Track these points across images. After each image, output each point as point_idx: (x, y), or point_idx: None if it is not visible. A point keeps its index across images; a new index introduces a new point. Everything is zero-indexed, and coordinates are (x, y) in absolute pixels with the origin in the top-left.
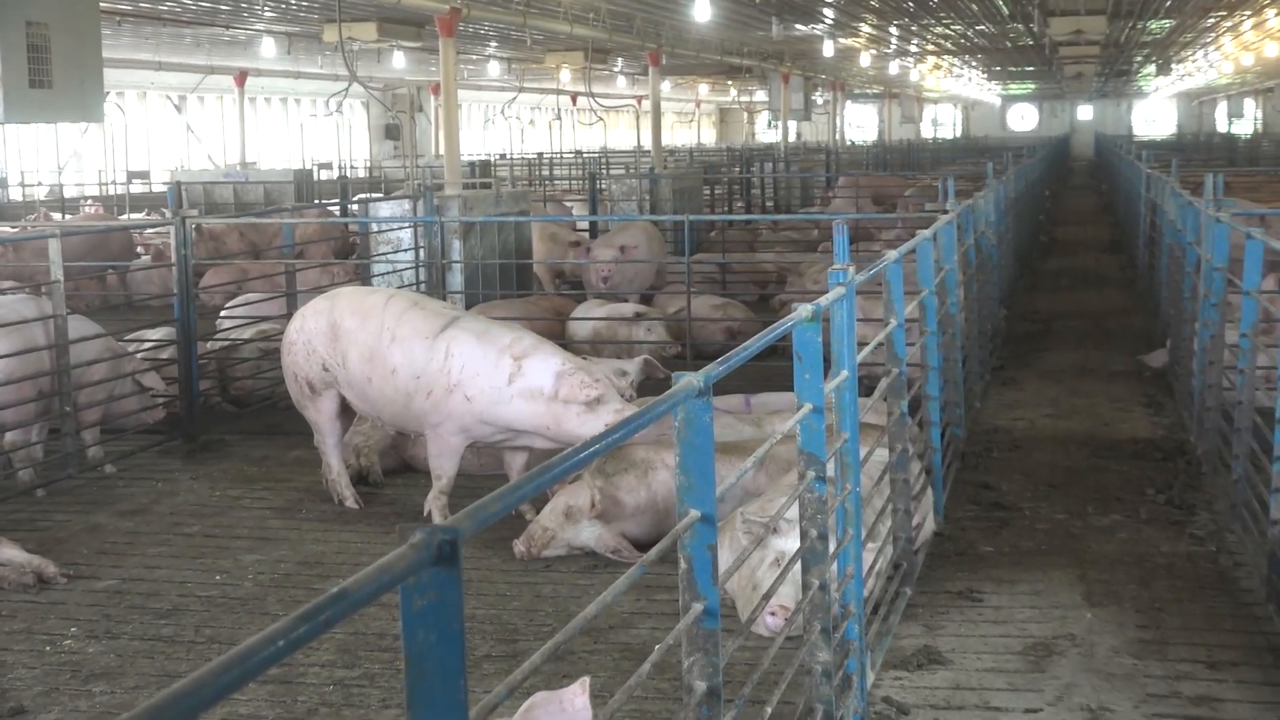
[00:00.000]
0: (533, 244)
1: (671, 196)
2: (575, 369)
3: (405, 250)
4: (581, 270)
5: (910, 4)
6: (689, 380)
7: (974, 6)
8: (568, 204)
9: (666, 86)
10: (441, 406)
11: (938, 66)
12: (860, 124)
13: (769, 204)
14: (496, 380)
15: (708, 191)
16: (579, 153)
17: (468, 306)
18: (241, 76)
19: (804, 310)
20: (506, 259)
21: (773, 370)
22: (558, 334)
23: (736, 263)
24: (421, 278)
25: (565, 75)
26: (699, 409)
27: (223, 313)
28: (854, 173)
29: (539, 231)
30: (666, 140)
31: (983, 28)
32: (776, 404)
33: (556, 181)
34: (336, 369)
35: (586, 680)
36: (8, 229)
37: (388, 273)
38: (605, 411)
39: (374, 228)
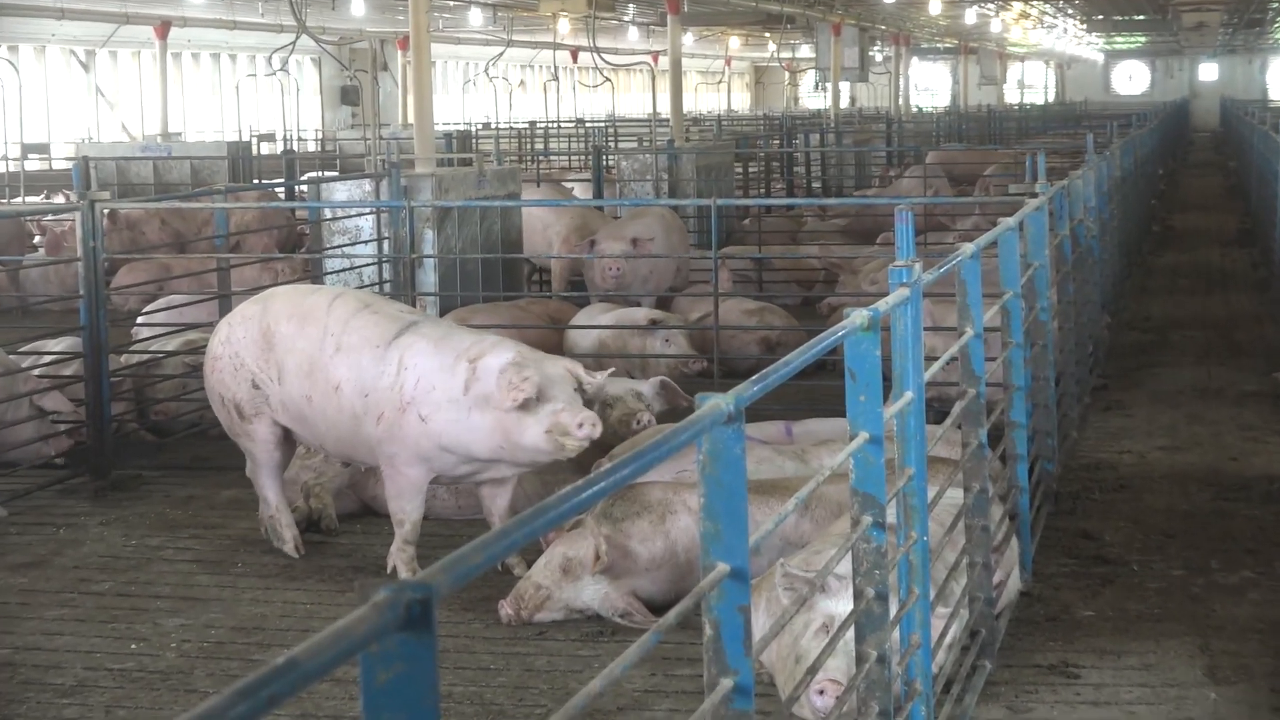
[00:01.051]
0: (528, 235)
1: (695, 176)
2: (515, 364)
3: (365, 242)
4: (584, 268)
5: None
6: (716, 403)
7: None
8: (567, 184)
9: (689, 40)
10: (394, 431)
11: (1025, 15)
12: (929, 86)
13: (816, 185)
14: (453, 390)
15: (740, 170)
16: (581, 122)
17: (442, 312)
18: (163, 27)
19: (858, 317)
20: (491, 253)
21: (820, 391)
22: (554, 346)
23: (775, 258)
24: (386, 276)
25: (564, 26)
26: (729, 439)
27: (140, 319)
28: (921, 147)
29: (569, 221)
30: (689, 106)
31: None
32: (824, 432)
33: (553, 157)
34: (270, 386)
35: None
36: None
37: (344, 270)
38: (543, 412)
39: (327, 214)
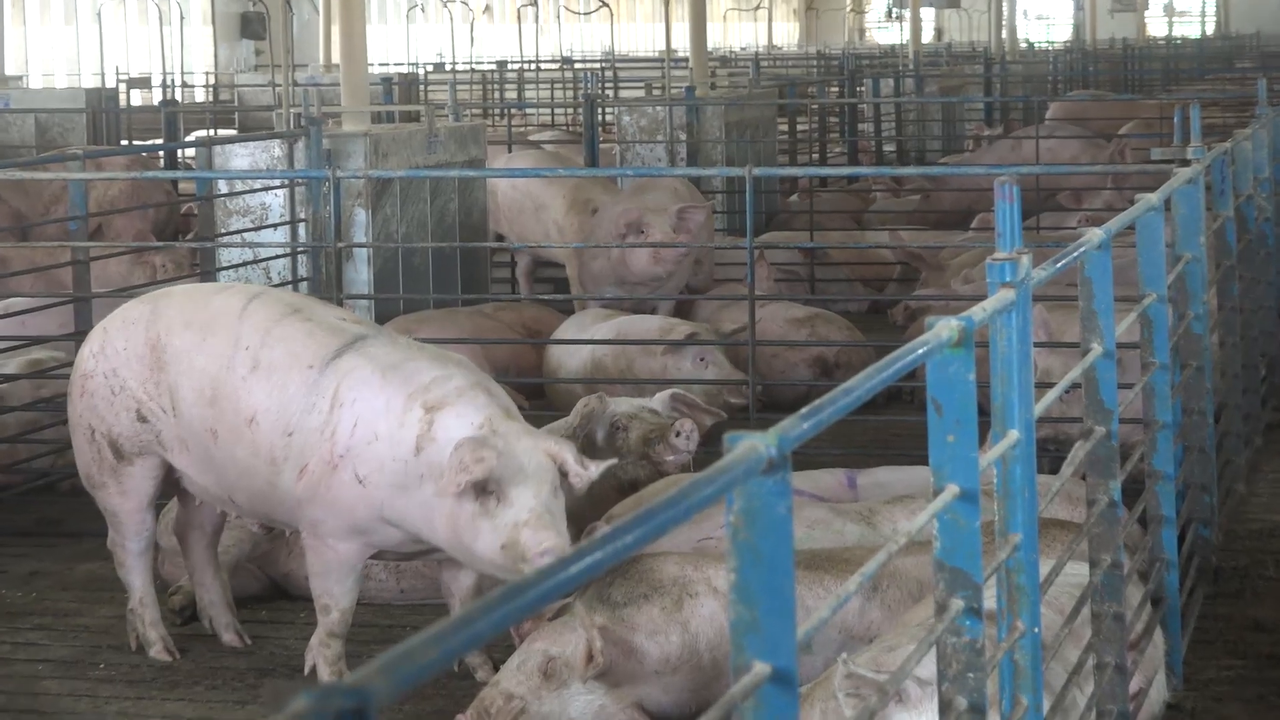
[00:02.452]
0: (516, 216)
1: (724, 136)
2: (475, 440)
3: (275, 226)
4: (615, 257)
5: None
6: (751, 445)
7: None
8: (550, 146)
9: None
10: (321, 492)
11: None
12: (1044, 14)
13: (888, 149)
14: (400, 447)
15: (785, 128)
16: (568, 62)
17: (378, 320)
18: None
19: (945, 328)
20: (446, 240)
21: (893, 429)
22: (532, 368)
23: (833, 247)
24: (302, 273)
25: None
26: (769, 494)
27: None
28: (1032, 96)
29: (565, 198)
30: (716, 41)
31: None
32: (898, 485)
33: (530, 111)
34: (160, 418)
35: None
36: None
37: (245, 264)
38: (501, 519)
39: (222, 187)
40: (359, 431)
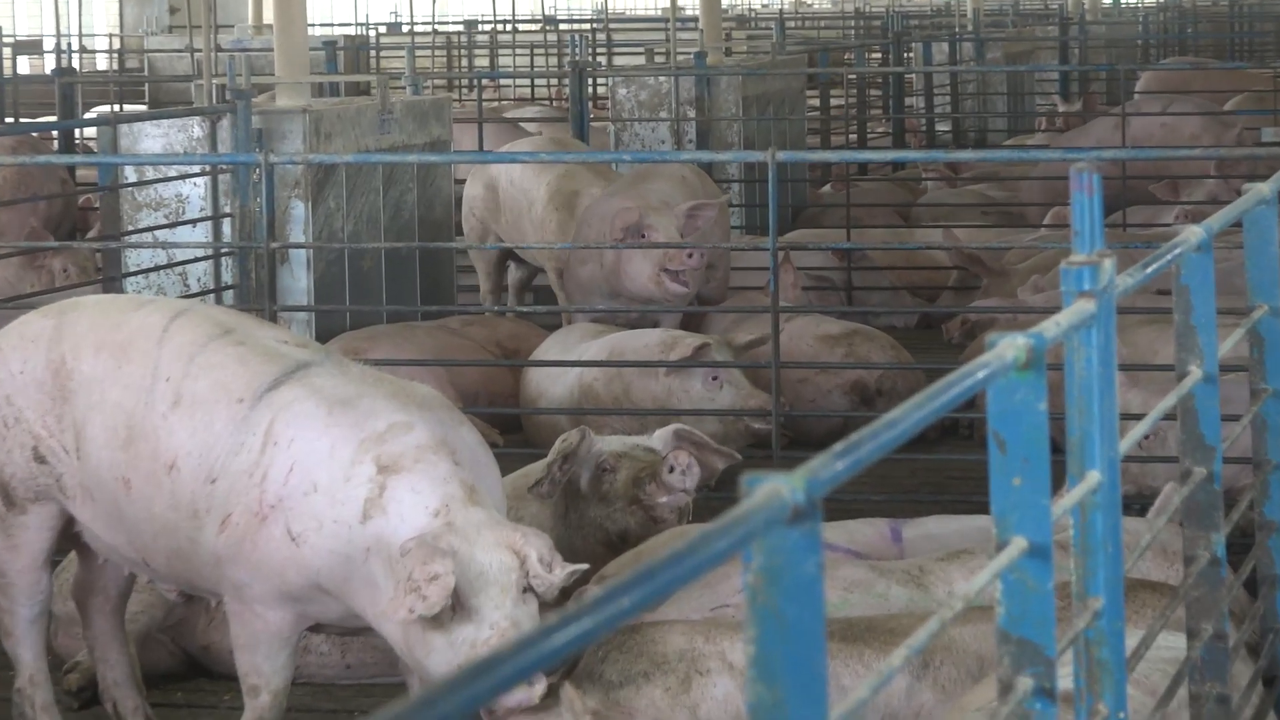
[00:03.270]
0: (509, 211)
1: (741, 111)
2: (425, 546)
3: (193, 222)
4: (613, 266)
5: None
6: (774, 489)
7: None
8: (528, 124)
9: None
10: (245, 549)
11: None
12: None
13: (942, 129)
14: (343, 507)
15: (817, 102)
16: (550, 21)
17: (320, 336)
18: None
19: (1010, 347)
20: (402, 239)
21: (946, 470)
22: (507, 394)
23: (874, 248)
24: (227, 279)
25: None
26: (796, 548)
27: None
28: (1118, 64)
29: (549, 187)
30: None
31: None
32: (952, 538)
33: (505, 82)
34: (61, 459)
35: None
36: None
37: (158, 268)
38: (457, 636)
39: (130, 175)
40: (295, 479)
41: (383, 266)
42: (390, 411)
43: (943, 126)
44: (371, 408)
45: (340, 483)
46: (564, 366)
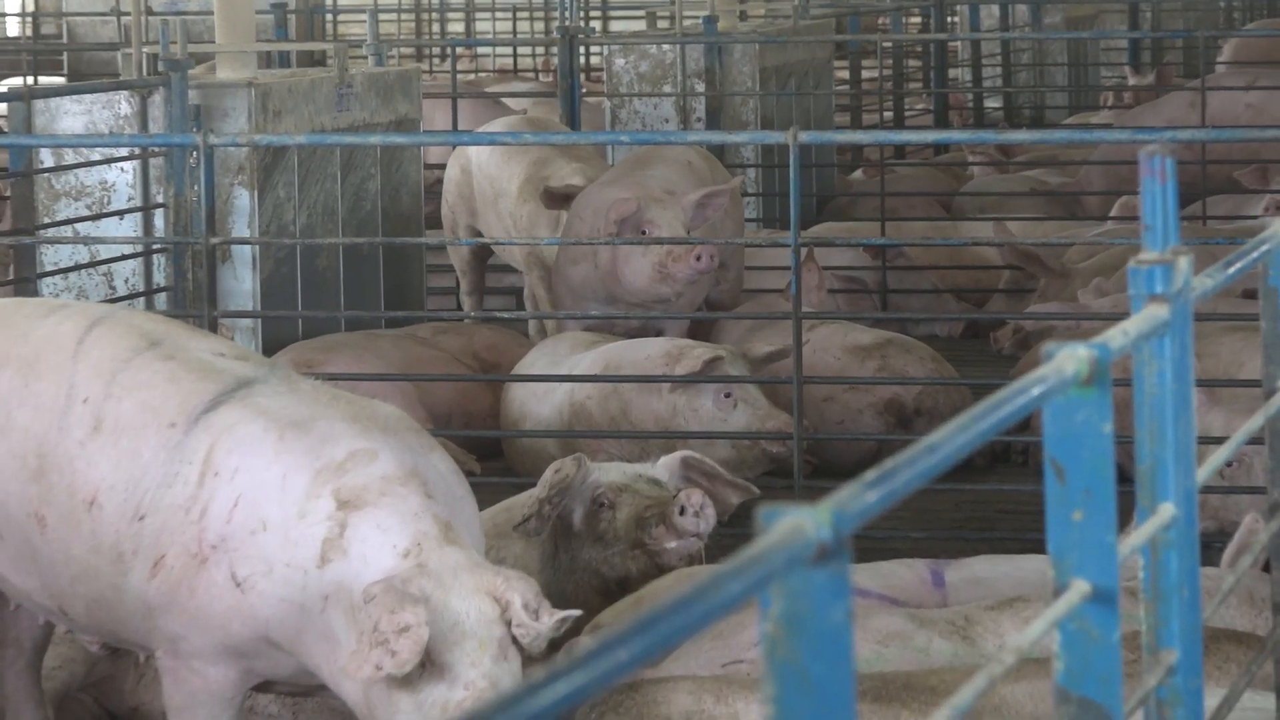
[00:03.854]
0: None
1: (758, 85)
2: (392, 591)
3: (121, 213)
4: (608, 265)
5: None
6: (796, 524)
7: None
8: (511, 101)
9: None
10: (183, 593)
11: None
12: None
13: (991, 105)
14: (297, 549)
15: (845, 74)
16: None
17: (268, 347)
18: None
19: (1070, 360)
20: (363, 234)
21: (995, 502)
22: (486, 414)
23: (912, 244)
24: (159, 280)
25: None
26: (820, 592)
27: None
28: (1197, 30)
29: (523, 173)
30: None
31: None
32: (1002, 581)
33: (483, 51)
34: None
35: None
36: None
37: (79, 267)
38: (425, 696)
39: (46, 159)
40: (240, 515)
41: (341, 265)
42: (350, 436)
43: (993, 102)
44: (328, 432)
45: (294, 520)
46: (552, 382)
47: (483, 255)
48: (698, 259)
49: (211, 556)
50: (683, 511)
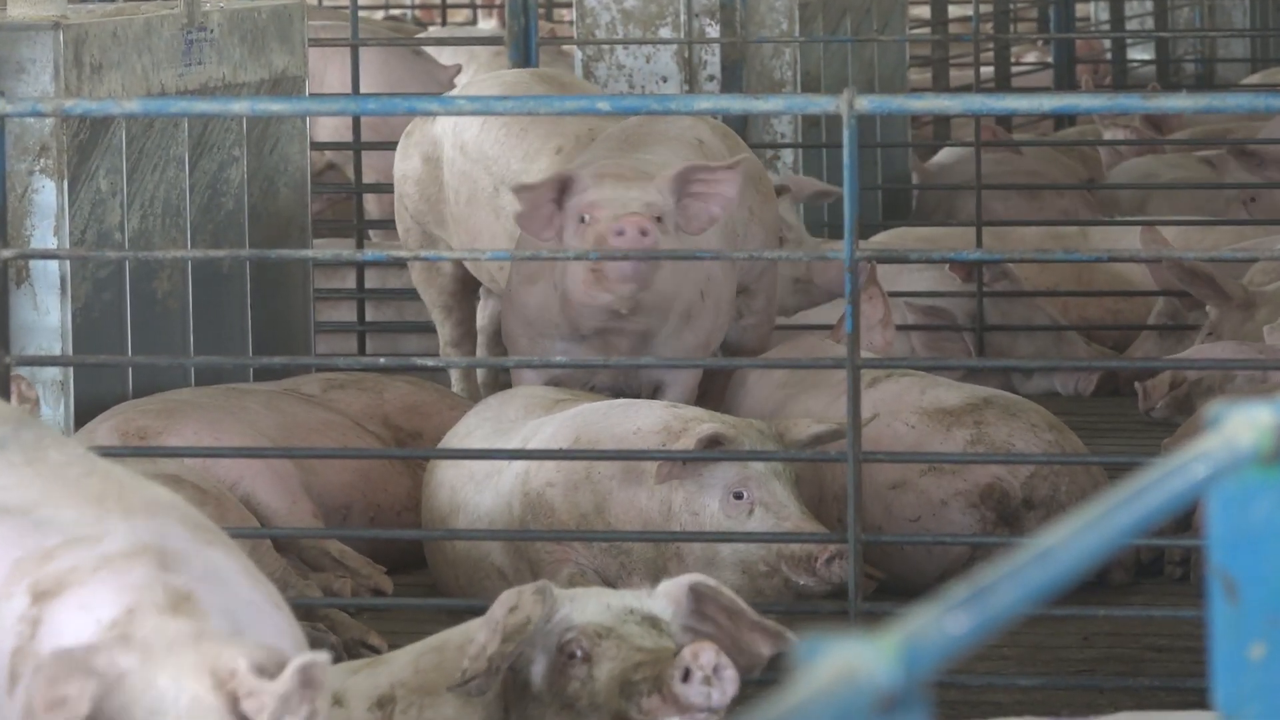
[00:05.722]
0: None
1: (797, 26)
2: (65, 658)
3: None
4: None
5: None
6: (849, 666)
7: None
8: (434, 50)
9: None
10: None
11: None
12: None
13: (1136, 59)
14: None
15: (925, 10)
16: None
17: (83, 412)
18: None
19: (1246, 427)
20: (224, 243)
21: (1142, 634)
22: (400, 506)
23: (1023, 259)
24: None
25: None
26: None
27: None
28: None
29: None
30: None
31: None
32: None
33: None
34: None
35: None
36: None
37: None
38: None
39: None
40: None
41: (190, 289)
42: (83, 521)
43: (1140, 54)
44: (48, 517)
45: None
46: (497, 459)
47: (470, 283)
48: (619, 233)
49: None
50: (687, 676)
